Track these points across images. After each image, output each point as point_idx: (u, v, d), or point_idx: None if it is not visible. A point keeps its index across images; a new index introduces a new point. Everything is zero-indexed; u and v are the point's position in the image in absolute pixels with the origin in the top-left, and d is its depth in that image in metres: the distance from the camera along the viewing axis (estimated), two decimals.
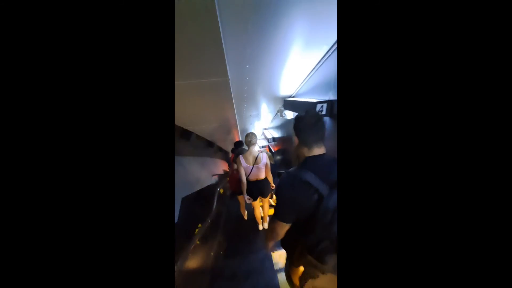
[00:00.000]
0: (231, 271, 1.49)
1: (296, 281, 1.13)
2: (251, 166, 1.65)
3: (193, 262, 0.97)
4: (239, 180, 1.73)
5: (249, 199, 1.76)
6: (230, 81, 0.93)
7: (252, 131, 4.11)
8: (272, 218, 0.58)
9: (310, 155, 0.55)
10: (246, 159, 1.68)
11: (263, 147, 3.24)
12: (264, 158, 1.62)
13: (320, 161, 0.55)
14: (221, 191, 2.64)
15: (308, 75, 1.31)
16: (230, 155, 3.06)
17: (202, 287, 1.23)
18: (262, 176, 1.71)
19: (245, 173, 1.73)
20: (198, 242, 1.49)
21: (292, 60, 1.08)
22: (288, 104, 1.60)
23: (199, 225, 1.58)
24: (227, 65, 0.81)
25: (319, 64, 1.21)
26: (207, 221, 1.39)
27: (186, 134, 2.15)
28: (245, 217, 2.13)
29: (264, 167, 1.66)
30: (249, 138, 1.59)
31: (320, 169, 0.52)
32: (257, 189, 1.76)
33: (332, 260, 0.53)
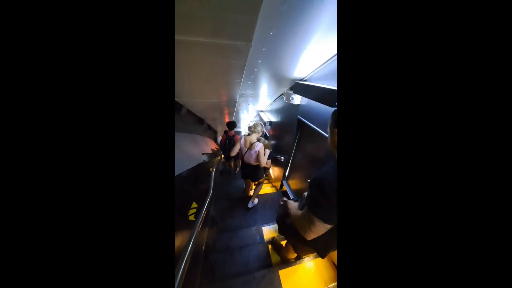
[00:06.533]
0: (223, 245, 1.59)
1: (285, 252, 1.30)
2: (246, 149, 1.84)
3: (187, 238, 0.98)
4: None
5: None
6: (250, 49, 0.82)
7: (247, 113, 3.95)
8: (310, 214, 0.53)
9: None
10: (245, 141, 1.86)
11: (266, 123, 3.18)
12: (257, 147, 1.77)
13: None
14: (211, 169, 2.61)
15: (328, 60, 1.23)
16: (222, 135, 2.95)
17: (197, 261, 1.29)
18: (253, 162, 1.87)
19: (241, 154, 1.92)
20: (192, 219, 1.50)
21: (314, 44, 1.00)
22: (300, 87, 1.52)
23: (194, 204, 1.57)
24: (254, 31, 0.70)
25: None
26: (205, 202, 1.38)
27: (177, 106, 1.94)
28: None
29: (255, 155, 1.80)
30: (254, 128, 1.79)
31: None
32: (247, 172, 2.01)
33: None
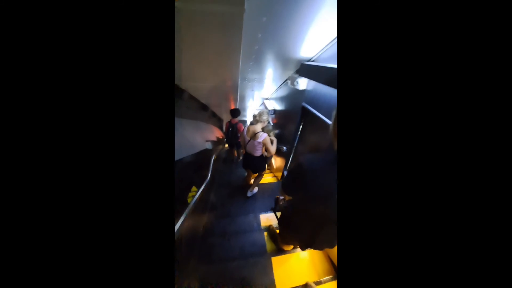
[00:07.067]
0: (221, 229, 1.63)
1: (279, 241, 1.30)
2: (249, 138, 1.75)
3: (186, 222, 0.99)
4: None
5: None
6: (244, 14, 0.71)
7: (252, 100, 3.82)
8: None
9: None
10: (248, 131, 1.76)
11: (270, 111, 3.01)
12: (261, 138, 1.67)
13: None
14: (215, 157, 2.62)
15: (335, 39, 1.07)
16: (225, 123, 2.90)
17: (194, 244, 1.33)
18: (256, 153, 1.79)
19: (243, 143, 1.86)
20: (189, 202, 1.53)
21: (323, 17, 0.85)
22: (306, 69, 1.36)
23: (194, 188, 1.60)
24: None
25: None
26: (201, 187, 1.39)
27: (179, 91, 1.90)
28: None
29: (258, 146, 1.72)
30: (259, 116, 1.65)
31: None
32: (248, 162, 1.94)
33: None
